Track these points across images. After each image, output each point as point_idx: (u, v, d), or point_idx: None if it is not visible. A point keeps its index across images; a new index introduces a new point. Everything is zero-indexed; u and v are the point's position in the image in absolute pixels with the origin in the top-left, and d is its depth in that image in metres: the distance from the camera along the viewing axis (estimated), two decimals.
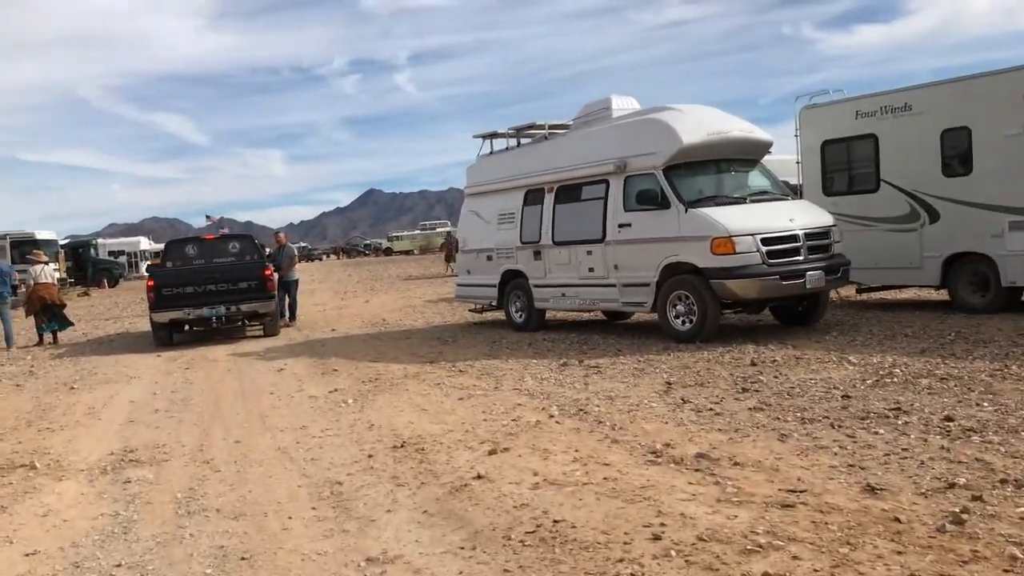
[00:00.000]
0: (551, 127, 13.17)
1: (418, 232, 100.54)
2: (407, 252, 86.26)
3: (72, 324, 17.29)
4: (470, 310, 15.36)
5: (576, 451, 5.79)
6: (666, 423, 6.44)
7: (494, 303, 13.74)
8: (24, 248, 40.94)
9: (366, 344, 13.02)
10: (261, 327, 15.58)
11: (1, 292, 16.18)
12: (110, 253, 59.24)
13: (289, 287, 17.19)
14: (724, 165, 11.24)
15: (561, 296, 12.32)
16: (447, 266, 35.28)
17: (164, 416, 8.35)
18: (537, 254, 12.61)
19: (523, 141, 13.80)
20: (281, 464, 6.14)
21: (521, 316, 13.15)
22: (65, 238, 54.38)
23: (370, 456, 6.12)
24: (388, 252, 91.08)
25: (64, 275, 43.22)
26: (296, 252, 18.27)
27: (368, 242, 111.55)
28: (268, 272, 14.99)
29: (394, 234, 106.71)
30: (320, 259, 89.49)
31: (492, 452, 5.91)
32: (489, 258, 13.60)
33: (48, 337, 16.81)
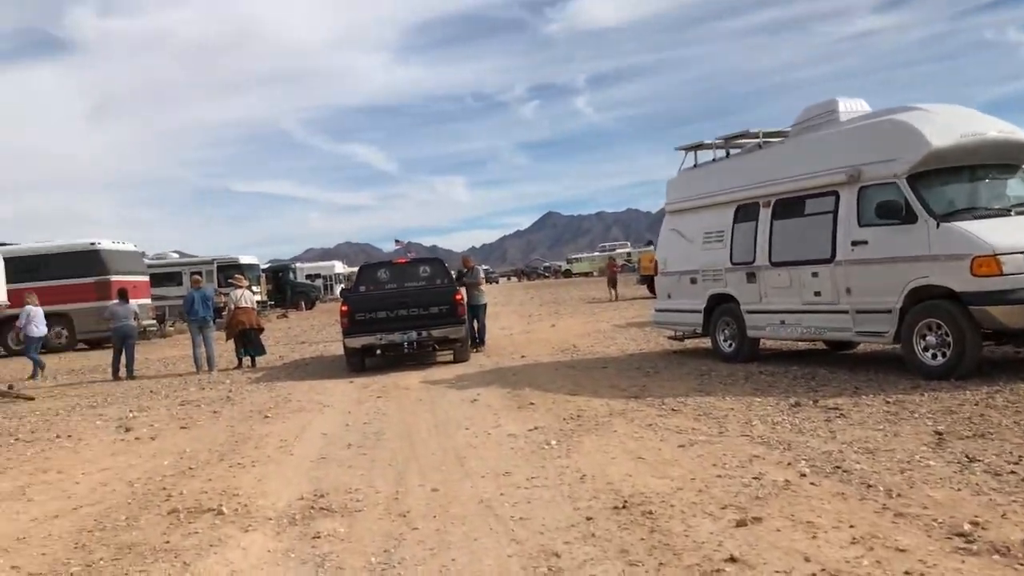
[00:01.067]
0: (765, 135, 11.90)
1: (597, 254, 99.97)
2: (586, 274, 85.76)
3: (264, 352, 17.52)
4: (669, 337, 14.22)
5: (851, 527, 4.60)
6: (958, 490, 5.11)
7: (698, 330, 12.55)
8: (229, 272, 43.49)
9: (560, 374, 12.17)
10: (451, 352, 15.11)
11: (204, 316, 16.61)
12: (307, 276, 62.23)
13: (477, 311, 16.70)
14: (980, 172, 9.59)
15: (780, 324, 10.98)
16: (611, 292, 33.84)
17: (356, 453, 7.78)
18: (751, 276, 11.34)
19: (732, 152, 12.58)
20: (486, 523, 5.30)
21: (730, 345, 11.90)
22: (267, 263, 57.51)
23: (588, 519, 5.18)
24: (567, 274, 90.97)
25: (265, 298, 45.59)
26: (482, 275, 17.81)
27: (547, 264, 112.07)
28: (459, 297, 14.50)
29: (573, 256, 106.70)
30: (496, 281, 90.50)
31: (741, 523, 4.82)
32: (693, 280, 12.44)
33: (247, 361, 17.11)
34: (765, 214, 11.15)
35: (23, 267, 25.66)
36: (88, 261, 26.67)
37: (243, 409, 11.15)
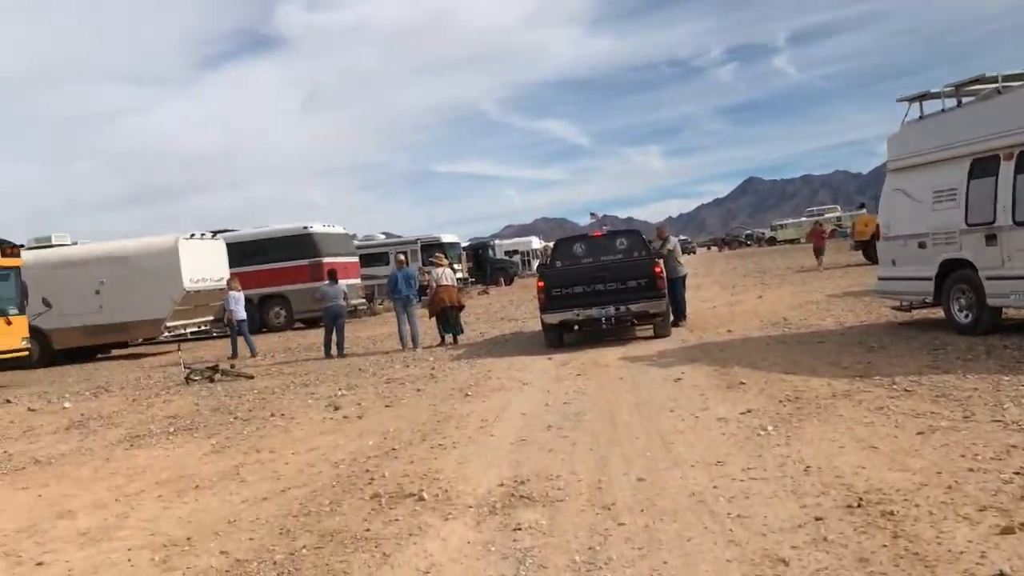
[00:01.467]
0: (1005, 78, 10.45)
1: (804, 219, 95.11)
2: (792, 241, 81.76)
3: (463, 331, 17.68)
4: (893, 308, 12.96)
5: None
6: None
7: (928, 300, 11.30)
8: (431, 251, 44.88)
9: (771, 349, 11.35)
10: (651, 327, 14.56)
11: (408, 295, 16.97)
12: (506, 253, 63.29)
13: (676, 284, 16.00)
14: None
15: None
16: (818, 260, 31.78)
17: (556, 435, 7.48)
18: (991, 238, 10.02)
19: (965, 101, 11.18)
20: (699, 520, 4.81)
21: (967, 316, 10.61)
22: (467, 241, 58.94)
23: (818, 519, 4.57)
24: (772, 242, 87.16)
25: (466, 275, 46.72)
26: (678, 245, 17.00)
27: (750, 232, 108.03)
28: (658, 270, 13.91)
29: (777, 223, 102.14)
30: (693, 252, 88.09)
31: (1006, 530, 4.06)
32: (922, 245, 11.20)
33: (449, 338, 17.36)
34: (1007, 168, 9.79)
35: (243, 252, 27.49)
36: (302, 244, 28.15)
37: (445, 387, 11.18)
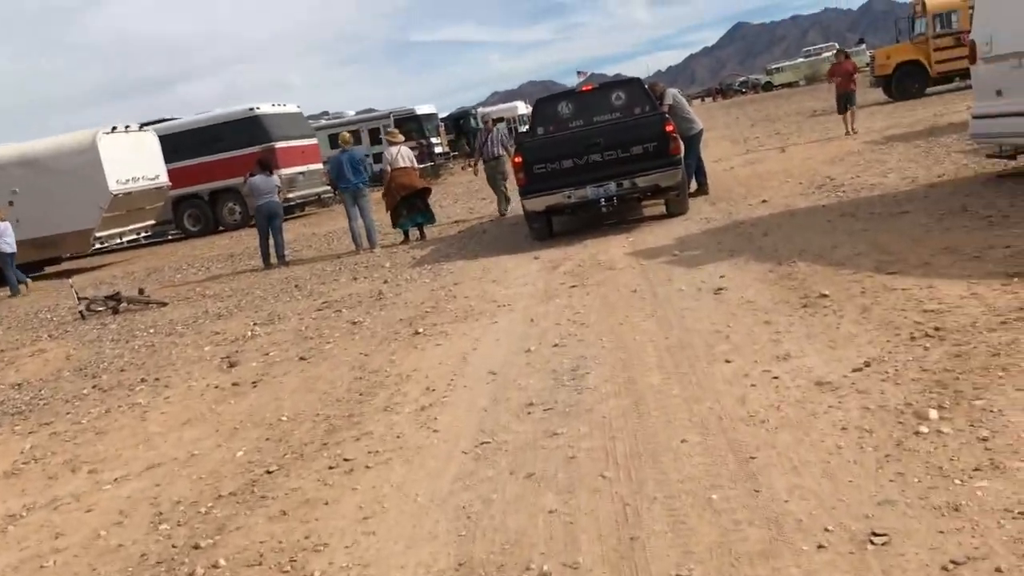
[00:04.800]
0: None
1: (801, 60, 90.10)
2: (790, 84, 77.18)
3: (434, 220, 14.46)
4: (989, 156, 9.68)
5: None
6: None
7: None
8: (408, 126, 40.96)
9: (838, 228, 8.16)
10: (663, 202, 11.33)
11: (356, 183, 13.67)
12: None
13: (692, 144, 12.61)
14: None
15: None
16: (846, 115, 19.45)
17: (541, 429, 4.41)
18: None
19: None
20: None
21: None
22: (453, 112, 54.65)
23: None
24: (768, 87, 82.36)
25: (446, 149, 42.97)
26: (680, 96, 13.37)
27: (744, 79, 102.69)
28: (670, 128, 10.54)
29: (773, 66, 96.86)
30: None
31: None
32: None
33: (415, 233, 14.16)
34: None
35: (183, 144, 23.98)
36: (249, 129, 24.53)
37: (392, 316, 8.09)
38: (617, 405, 4.50)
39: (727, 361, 4.87)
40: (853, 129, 17.73)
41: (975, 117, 9.03)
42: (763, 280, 6.69)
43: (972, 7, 24.74)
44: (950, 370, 4.01)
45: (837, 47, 19.14)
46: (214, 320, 9.77)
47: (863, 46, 74.56)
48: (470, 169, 18.88)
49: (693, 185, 12.44)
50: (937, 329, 4.60)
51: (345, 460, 4.47)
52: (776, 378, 4.43)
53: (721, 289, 6.63)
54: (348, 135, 14.94)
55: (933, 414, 3.55)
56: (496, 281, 9.02)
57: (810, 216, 9.17)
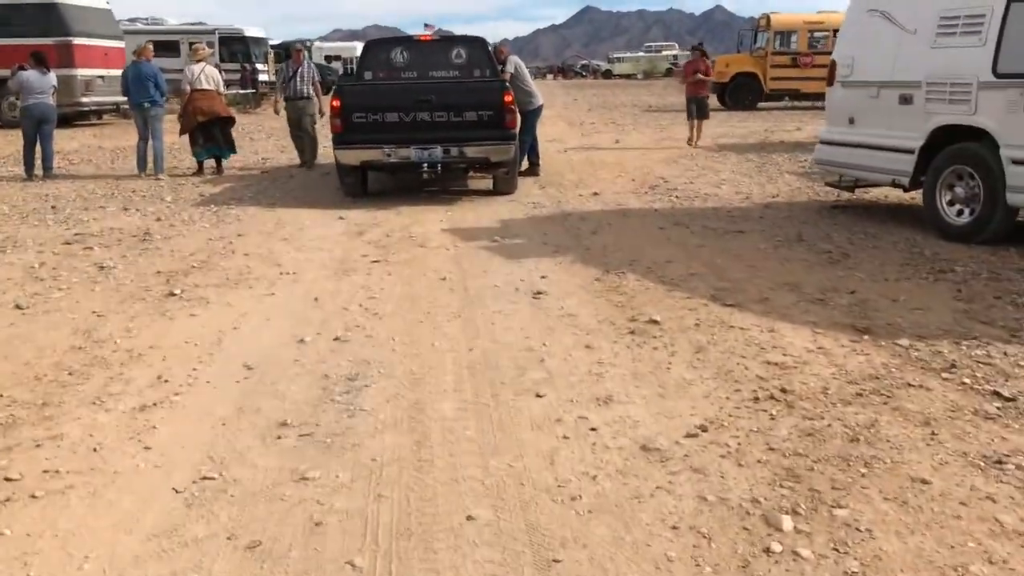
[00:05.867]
0: None
1: (642, 54, 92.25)
2: (628, 76, 78.57)
3: (235, 152, 12.85)
4: (828, 183, 9.37)
5: None
6: None
7: (901, 182, 7.72)
8: (234, 47, 37.84)
9: (671, 239, 7.52)
10: (491, 178, 10.39)
11: (148, 101, 11.85)
12: (326, 58, 55.85)
13: (529, 120, 11.74)
14: None
15: None
16: (692, 127, 16.03)
17: (290, 454, 3.34)
18: None
19: None
20: None
21: (965, 215, 7.12)
22: (284, 41, 51.35)
23: None
24: (608, 75, 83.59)
25: (272, 78, 40.17)
26: (523, 66, 12.25)
27: (586, 63, 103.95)
28: (509, 99, 9.55)
29: (616, 55, 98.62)
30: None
31: None
32: (906, 99, 7.45)
33: (210, 164, 12.50)
34: None
35: None
36: (44, 18, 21.40)
37: (148, 267, 6.67)
38: (394, 443, 3.48)
39: (538, 395, 3.95)
40: (695, 141, 15.30)
41: (823, 142, 8.65)
42: (588, 289, 5.87)
43: (818, 30, 25.72)
44: (802, 454, 3.27)
45: (694, 46, 16.55)
46: None
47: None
48: (270, 107, 16.08)
49: (525, 163, 11.58)
50: (784, 391, 3.88)
51: (6, 480, 3.19)
52: (594, 430, 3.55)
53: (541, 293, 5.75)
54: (149, 45, 12.96)
55: (787, 523, 2.77)
56: (288, 239, 7.76)
57: (642, 219, 8.50)
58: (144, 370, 4.36)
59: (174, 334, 4.97)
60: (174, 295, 5.80)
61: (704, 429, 3.52)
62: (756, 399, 3.81)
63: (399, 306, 5.54)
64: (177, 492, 3.10)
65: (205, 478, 3.20)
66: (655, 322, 4.99)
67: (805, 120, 21.87)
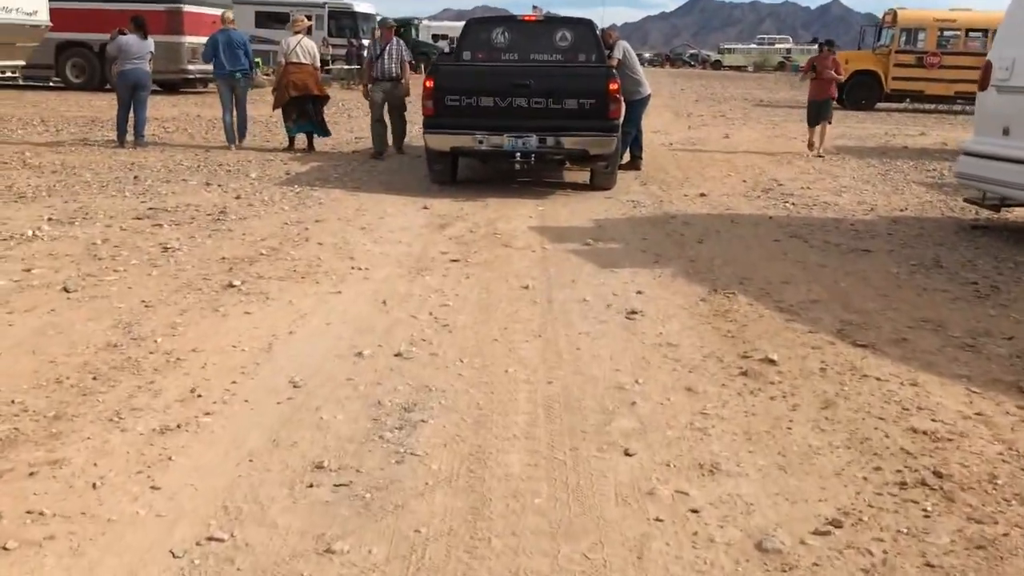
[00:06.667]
0: None
1: (754, 46, 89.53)
2: (738, 68, 76.12)
3: (328, 133, 12.40)
4: (967, 199, 8.32)
5: None
6: None
7: None
8: (343, 22, 37.95)
9: (787, 254, 6.67)
10: (588, 171, 9.65)
11: (233, 70, 11.54)
12: (432, 36, 55.81)
13: (634, 111, 10.93)
14: None
15: None
16: (813, 136, 13.28)
17: (320, 511, 2.74)
18: None
19: None
20: None
21: None
22: (395, 18, 51.40)
23: None
24: (717, 66, 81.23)
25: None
26: (630, 52, 11.28)
27: (695, 52, 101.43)
28: (615, 87, 8.78)
29: (726, 46, 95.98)
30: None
31: None
32: None
33: (301, 141, 12.13)
34: None
35: None
36: None
37: (214, 251, 6.21)
38: (445, 507, 2.83)
39: (627, 453, 3.25)
40: (819, 148, 13.25)
41: (967, 154, 7.60)
42: (691, 310, 5.11)
43: (949, 29, 23.96)
44: (971, 571, 2.49)
45: (820, 40, 14.57)
46: (6, 203, 7.66)
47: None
48: (358, 89, 14.02)
49: (626, 156, 10.80)
50: (938, 475, 3.08)
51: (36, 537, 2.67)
52: (696, 512, 2.83)
53: (636, 312, 5.02)
54: (231, 14, 12.63)
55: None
56: (366, 229, 7.22)
57: (755, 228, 7.65)
58: (178, 379, 3.83)
59: (222, 335, 4.44)
60: (233, 287, 5.30)
61: (838, 524, 2.75)
62: (903, 484, 3.02)
63: (473, 317, 4.89)
64: (175, 557, 2.53)
65: (212, 539, 2.61)
66: (771, 362, 4.21)
67: (929, 124, 20.39)
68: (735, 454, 3.26)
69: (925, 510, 2.85)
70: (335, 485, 2.96)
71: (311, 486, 2.96)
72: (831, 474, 3.11)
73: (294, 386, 3.82)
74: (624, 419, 3.56)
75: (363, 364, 4.10)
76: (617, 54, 10.58)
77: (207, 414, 3.50)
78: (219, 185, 9.02)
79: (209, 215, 7.48)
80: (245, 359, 4.12)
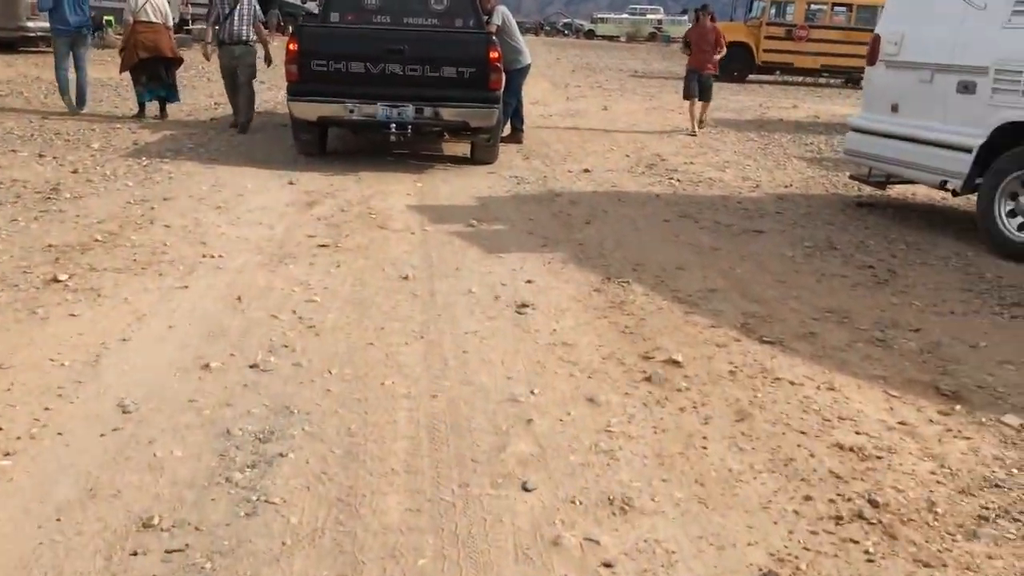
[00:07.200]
0: None
1: (626, 16, 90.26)
2: (611, 38, 76.60)
3: (178, 99, 11.35)
4: (853, 176, 8.22)
5: None
6: None
7: (951, 185, 6.56)
8: None
9: (679, 237, 6.33)
10: (469, 144, 9.10)
11: (72, 26, 10.36)
12: None
13: (514, 80, 10.40)
14: None
15: None
16: (696, 109, 12.42)
17: (164, 566, 2.15)
18: None
19: None
20: None
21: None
22: None
23: None
24: (590, 35, 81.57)
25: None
26: (510, 18, 10.64)
27: (568, 21, 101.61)
28: (495, 56, 8.23)
29: (599, 15, 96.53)
30: None
31: None
32: (967, 88, 6.27)
33: (153, 107, 11.05)
34: None
35: None
36: None
37: (40, 238, 5.36)
38: (304, 572, 2.28)
39: (525, 488, 2.77)
40: (698, 125, 12.38)
41: (855, 130, 7.44)
42: (585, 302, 4.68)
43: (816, 2, 24.47)
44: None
45: (696, 8, 13.61)
46: None
47: (687, 16, 75.31)
48: (200, 50, 11.78)
49: (507, 129, 10.28)
50: (874, 505, 2.73)
51: None
52: (609, 567, 2.38)
53: (527, 306, 4.54)
54: None
55: None
56: (222, 208, 6.46)
57: (642, 207, 7.30)
58: None
59: (38, 345, 3.70)
60: (58, 281, 4.51)
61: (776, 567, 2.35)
62: (838, 519, 2.66)
63: (344, 316, 4.30)
64: None
65: None
66: (676, 363, 3.82)
67: (800, 97, 20.77)
68: (648, 484, 2.83)
69: (867, 551, 2.49)
70: (166, 552, 2.36)
71: (135, 554, 2.34)
72: (757, 507, 2.72)
73: (123, 411, 3.16)
74: (520, 442, 3.08)
75: (210, 380, 3.47)
76: (496, 20, 10.00)
77: (6, 455, 2.81)
78: (54, 157, 8.00)
79: (39, 193, 6.55)
80: (64, 376, 3.42)
